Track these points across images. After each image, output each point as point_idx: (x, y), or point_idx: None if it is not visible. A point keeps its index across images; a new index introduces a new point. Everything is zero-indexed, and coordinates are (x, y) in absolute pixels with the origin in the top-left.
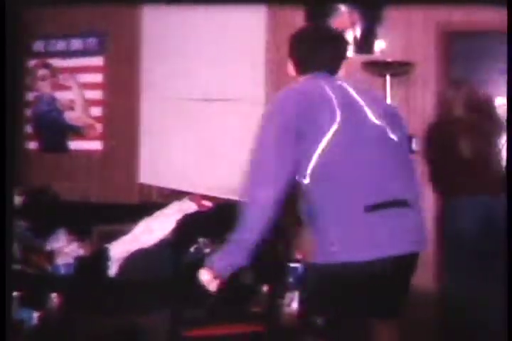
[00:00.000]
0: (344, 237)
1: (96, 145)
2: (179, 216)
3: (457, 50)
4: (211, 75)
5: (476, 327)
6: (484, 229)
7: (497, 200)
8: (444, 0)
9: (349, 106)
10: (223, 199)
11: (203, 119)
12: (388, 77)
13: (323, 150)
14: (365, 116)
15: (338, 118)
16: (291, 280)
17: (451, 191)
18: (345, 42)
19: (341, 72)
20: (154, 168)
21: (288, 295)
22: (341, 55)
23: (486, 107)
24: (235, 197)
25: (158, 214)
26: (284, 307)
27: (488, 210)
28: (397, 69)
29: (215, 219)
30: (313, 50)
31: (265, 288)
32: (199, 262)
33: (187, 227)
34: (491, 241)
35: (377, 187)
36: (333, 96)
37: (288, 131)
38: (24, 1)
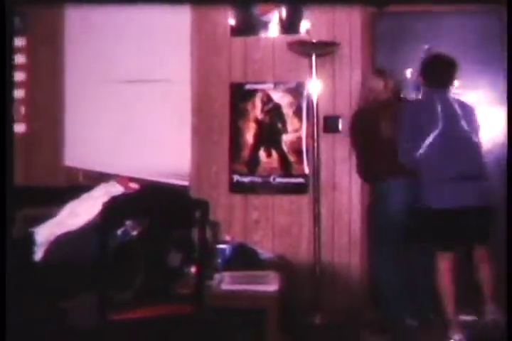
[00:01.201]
0: (431, 192)
1: (20, 127)
2: (106, 198)
3: (382, 29)
4: (136, 57)
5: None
6: (408, 210)
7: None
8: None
9: (450, 116)
10: (150, 181)
11: (129, 101)
12: (314, 57)
13: (429, 143)
14: (459, 124)
15: (440, 125)
16: (219, 261)
17: (377, 175)
18: (456, 67)
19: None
20: (80, 151)
21: (216, 277)
22: (452, 76)
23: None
24: (161, 179)
25: (84, 197)
26: (212, 289)
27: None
28: (323, 49)
29: (142, 202)
30: (433, 74)
31: (193, 270)
32: (126, 245)
33: (113, 210)
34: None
35: (455, 168)
36: (439, 108)
37: (406, 129)
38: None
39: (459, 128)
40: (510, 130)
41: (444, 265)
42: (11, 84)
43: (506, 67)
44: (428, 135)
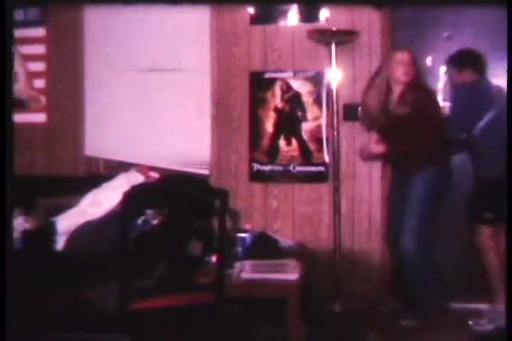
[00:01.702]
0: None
1: (40, 117)
2: (126, 188)
3: (402, 17)
4: (156, 46)
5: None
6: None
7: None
8: (443, 0)
9: (503, 96)
10: (170, 170)
11: (149, 90)
12: (333, 45)
13: (487, 121)
14: (505, 105)
15: (496, 104)
16: (239, 250)
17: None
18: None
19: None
20: (100, 140)
21: (237, 265)
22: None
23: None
24: (181, 168)
25: (105, 186)
26: (232, 278)
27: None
28: (342, 37)
29: (163, 191)
30: (480, 62)
31: (213, 259)
32: (147, 234)
33: (134, 199)
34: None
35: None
36: (494, 90)
37: (463, 108)
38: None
39: (505, 107)
40: (510, 129)
41: (487, 235)
42: (11, 75)
43: (507, 68)
44: (486, 113)
